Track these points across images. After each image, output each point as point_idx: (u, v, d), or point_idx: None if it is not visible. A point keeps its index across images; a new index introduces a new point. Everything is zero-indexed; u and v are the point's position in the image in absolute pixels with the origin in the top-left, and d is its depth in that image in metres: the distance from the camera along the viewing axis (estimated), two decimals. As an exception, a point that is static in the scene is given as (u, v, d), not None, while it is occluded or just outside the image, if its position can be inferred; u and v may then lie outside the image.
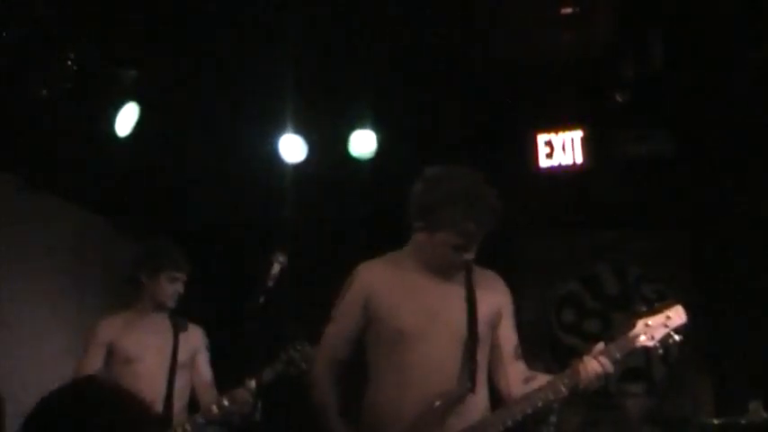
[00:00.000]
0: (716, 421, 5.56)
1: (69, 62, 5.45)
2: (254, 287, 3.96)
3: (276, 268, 4.01)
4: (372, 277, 3.36)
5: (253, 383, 4.36)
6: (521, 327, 7.14)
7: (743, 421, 5.15)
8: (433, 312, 3.26)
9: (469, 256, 3.27)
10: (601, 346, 3.25)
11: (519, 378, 3.37)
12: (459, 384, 3.20)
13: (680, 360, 7.08)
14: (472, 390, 3.20)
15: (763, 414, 5.08)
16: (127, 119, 5.82)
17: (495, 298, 3.41)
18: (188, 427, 4.50)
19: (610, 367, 3.20)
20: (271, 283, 3.99)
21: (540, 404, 3.22)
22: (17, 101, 5.36)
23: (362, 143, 6.44)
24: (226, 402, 4.47)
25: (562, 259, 7.53)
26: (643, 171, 6.85)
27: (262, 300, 3.98)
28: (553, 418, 5.45)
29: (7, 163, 5.92)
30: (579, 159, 6.62)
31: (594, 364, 3.19)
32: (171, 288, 4.77)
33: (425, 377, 3.19)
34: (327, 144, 6.56)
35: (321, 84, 6.02)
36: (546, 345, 7.25)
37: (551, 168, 6.65)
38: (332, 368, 3.39)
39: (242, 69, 5.94)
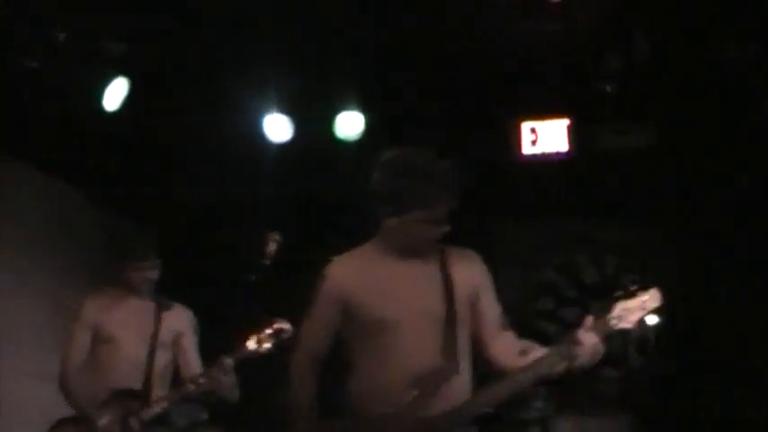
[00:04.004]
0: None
1: (57, 34, 5.44)
2: (237, 265, 3.98)
3: (272, 246, 4.03)
4: (344, 276, 3.33)
5: (229, 361, 4.39)
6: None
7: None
8: (410, 299, 3.25)
9: (446, 228, 3.27)
10: (591, 319, 3.24)
11: (511, 349, 3.34)
12: (442, 365, 3.21)
13: (657, 350, 7.15)
14: (456, 369, 3.21)
15: None
16: (116, 93, 5.81)
17: (471, 275, 3.39)
18: (165, 404, 4.52)
19: (602, 342, 3.21)
20: (267, 262, 4.01)
21: (527, 383, 3.22)
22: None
23: (349, 125, 6.44)
24: (202, 380, 4.50)
25: (541, 247, 7.54)
26: (626, 162, 6.90)
27: (254, 277, 4.00)
28: (539, 404, 5.39)
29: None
30: (564, 148, 6.64)
31: (593, 336, 3.21)
32: (138, 277, 4.71)
33: (408, 362, 3.19)
34: (313, 124, 6.56)
35: (308, 64, 6.02)
36: (523, 332, 7.24)
37: (535, 156, 6.68)
38: (311, 364, 3.37)
39: (229, 48, 5.93)
